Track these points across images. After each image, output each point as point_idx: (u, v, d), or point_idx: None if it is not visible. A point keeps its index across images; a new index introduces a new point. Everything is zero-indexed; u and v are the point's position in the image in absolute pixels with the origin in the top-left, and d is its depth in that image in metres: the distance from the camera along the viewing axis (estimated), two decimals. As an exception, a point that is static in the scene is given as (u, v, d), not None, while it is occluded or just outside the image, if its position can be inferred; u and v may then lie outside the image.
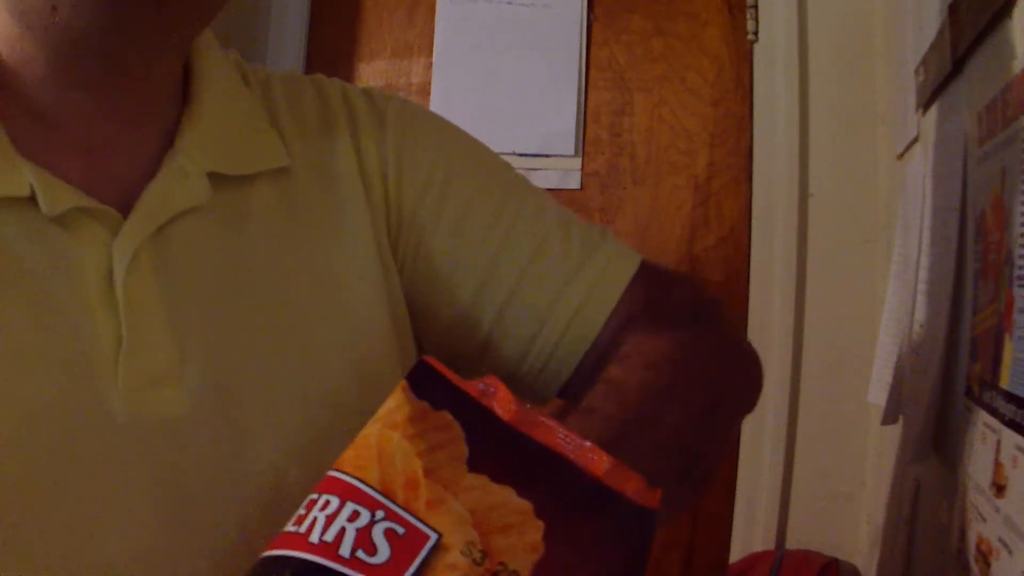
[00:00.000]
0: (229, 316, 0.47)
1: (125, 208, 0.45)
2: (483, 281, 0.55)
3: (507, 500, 0.35)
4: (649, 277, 0.57)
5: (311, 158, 0.54)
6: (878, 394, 1.00)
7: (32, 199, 0.42)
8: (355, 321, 0.52)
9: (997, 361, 0.51)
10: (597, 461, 0.37)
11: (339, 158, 0.54)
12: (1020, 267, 0.47)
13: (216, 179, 0.48)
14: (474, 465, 0.36)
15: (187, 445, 0.44)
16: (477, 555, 0.33)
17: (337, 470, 0.36)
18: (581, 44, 1.54)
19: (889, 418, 0.90)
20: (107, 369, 0.43)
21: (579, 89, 1.54)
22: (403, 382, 0.39)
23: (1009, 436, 0.48)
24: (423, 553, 0.33)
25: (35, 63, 0.44)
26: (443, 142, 0.59)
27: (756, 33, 1.48)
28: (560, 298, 0.55)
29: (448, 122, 0.62)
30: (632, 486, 0.37)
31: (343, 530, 0.33)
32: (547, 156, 1.54)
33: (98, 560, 0.41)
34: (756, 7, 1.47)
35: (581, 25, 1.54)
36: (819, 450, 1.38)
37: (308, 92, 0.57)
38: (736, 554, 1.40)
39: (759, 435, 1.40)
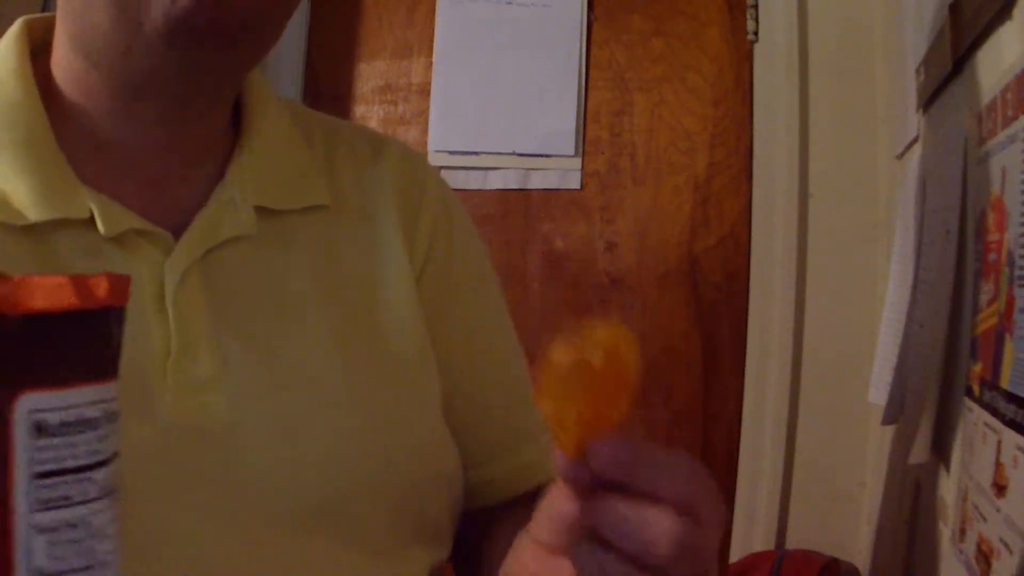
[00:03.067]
0: (274, 333, 0.50)
1: (178, 233, 0.48)
2: (456, 385, 0.59)
3: None
4: None
5: (357, 196, 0.57)
6: (878, 394, 1.00)
7: (90, 221, 0.45)
8: (395, 346, 0.54)
9: (997, 361, 0.51)
10: None
11: (384, 199, 0.58)
12: (1020, 267, 0.47)
13: (262, 212, 0.51)
14: None
15: (233, 449, 0.45)
16: None
17: None
18: (581, 44, 1.54)
19: (889, 418, 0.90)
20: (157, 375, 0.45)
21: (579, 89, 1.54)
22: None
23: (1010, 436, 0.48)
24: None
25: (99, 98, 0.47)
26: (475, 244, 0.65)
27: (756, 33, 1.48)
28: (516, 448, 0.61)
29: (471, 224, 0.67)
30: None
31: None
32: (547, 156, 1.54)
33: (141, 562, 0.41)
34: (756, 7, 1.47)
35: (581, 25, 1.54)
36: (819, 450, 1.38)
37: (363, 141, 0.60)
38: (736, 554, 1.40)
39: (759, 435, 1.40)
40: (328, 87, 1.64)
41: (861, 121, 1.38)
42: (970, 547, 0.53)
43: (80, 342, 0.30)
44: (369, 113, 1.63)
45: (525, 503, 0.59)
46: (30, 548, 0.27)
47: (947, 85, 0.76)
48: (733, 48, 1.50)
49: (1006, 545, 0.46)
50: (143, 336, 0.45)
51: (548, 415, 0.35)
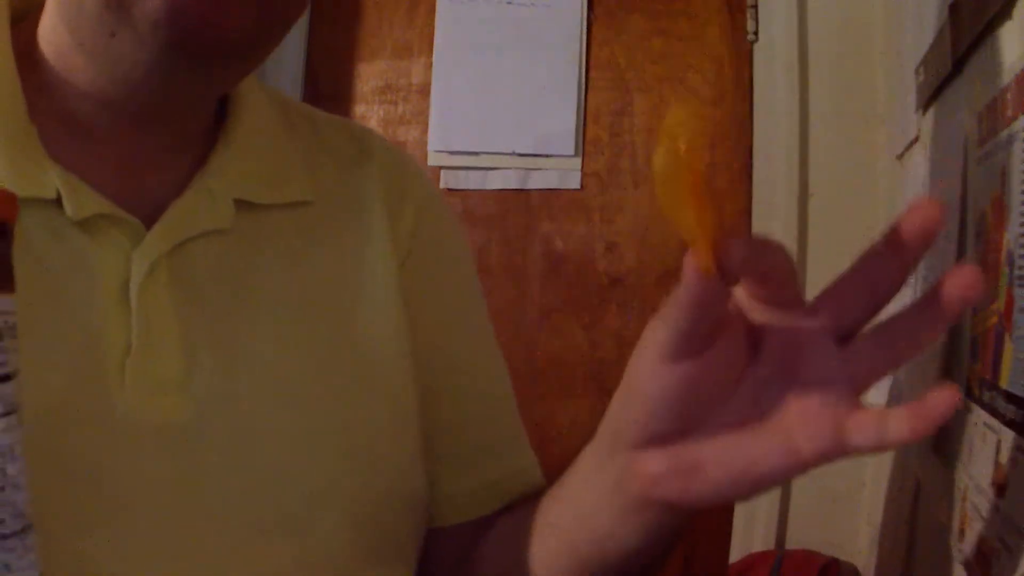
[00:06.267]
0: (243, 334, 0.47)
1: (150, 221, 0.46)
2: (443, 386, 0.57)
3: None
4: None
5: (340, 193, 0.55)
6: (878, 394, 1.00)
7: (58, 202, 0.43)
8: (372, 354, 0.52)
9: (997, 361, 0.51)
10: None
11: (368, 196, 0.56)
12: (1020, 267, 0.47)
13: (241, 205, 0.49)
14: None
15: (192, 452, 0.44)
16: None
17: None
18: (581, 44, 1.54)
19: (889, 418, 0.90)
20: (115, 372, 0.43)
21: (579, 89, 1.54)
22: None
23: (1009, 436, 0.48)
24: None
25: (81, 77, 0.45)
26: (456, 234, 0.63)
27: (756, 33, 1.48)
28: (501, 459, 0.59)
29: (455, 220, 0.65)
30: None
31: None
32: (547, 156, 1.54)
33: (96, 559, 0.41)
34: (756, 7, 1.47)
35: (581, 25, 1.54)
36: (819, 450, 1.37)
37: (344, 132, 0.59)
38: (736, 554, 1.40)
39: (759, 435, 1.40)
40: (328, 87, 1.64)
41: (861, 121, 1.37)
42: (969, 547, 0.53)
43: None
44: (369, 113, 1.63)
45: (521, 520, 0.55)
46: None
47: (947, 85, 0.76)
48: (733, 48, 1.50)
49: (1005, 545, 0.46)
50: (101, 329, 0.43)
51: (679, 224, 0.33)
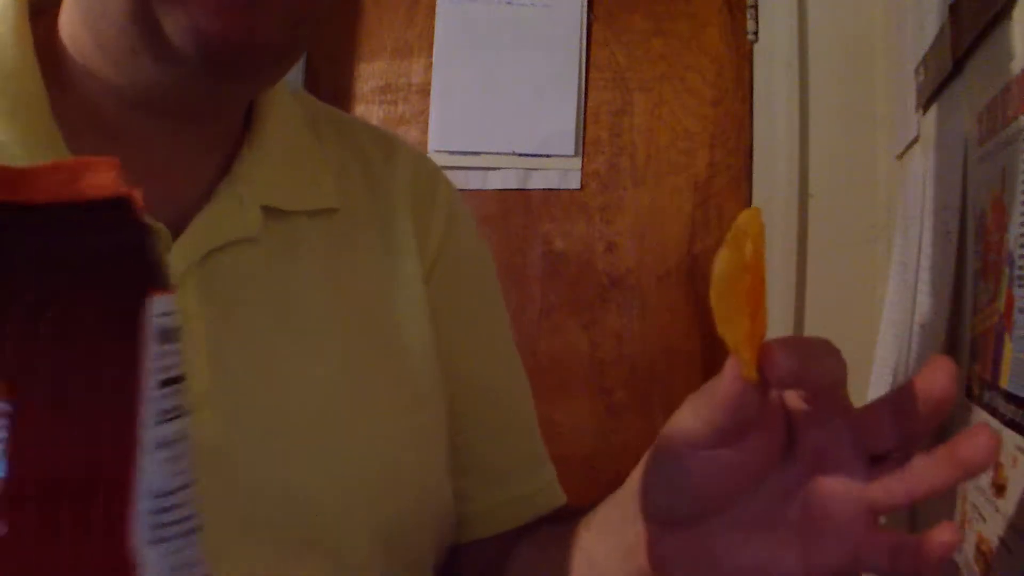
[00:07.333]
0: (273, 348, 0.46)
1: (177, 229, 0.45)
2: (466, 404, 0.56)
3: None
4: None
5: (367, 200, 0.54)
6: (878, 394, 1.00)
7: None
8: (406, 359, 0.52)
9: (997, 361, 0.51)
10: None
11: (395, 203, 0.55)
12: (1020, 267, 0.47)
13: (269, 212, 0.48)
14: None
15: (221, 469, 0.43)
16: None
17: None
18: (581, 44, 1.54)
19: (889, 418, 0.90)
20: None
21: (579, 89, 1.54)
22: None
23: (1009, 436, 0.47)
24: None
25: (103, 76, 0.44)
26: (481, 252, 0.62)
27: (756, 33, 1.48)
28: (527, 477, 0.58)
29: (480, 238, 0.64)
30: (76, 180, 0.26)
31: None
32: (547, 156, 1.54)
33: None
34: (756, 7, 1.47)
35: (581, 25, 1.54)
36: (819, 450, 1.37)
37: (371, 137, 0.58)
38: (736, 554, 1.40)
39: (759, 435, 1.40)
40: (328, 87, 1.64)
41: (861, 121, 1.38)
42: (969, 547, 0.53)
43: (159, 251, 0.29)
44: (369, 113, 1.63)
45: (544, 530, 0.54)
46: (152, 464, 0.26)
47: (947, 85, 0.76)
48: (733, 48, 1.50)
49: (1005, 545, 0.46)
50: None
51: (728, 334, 0.32)
